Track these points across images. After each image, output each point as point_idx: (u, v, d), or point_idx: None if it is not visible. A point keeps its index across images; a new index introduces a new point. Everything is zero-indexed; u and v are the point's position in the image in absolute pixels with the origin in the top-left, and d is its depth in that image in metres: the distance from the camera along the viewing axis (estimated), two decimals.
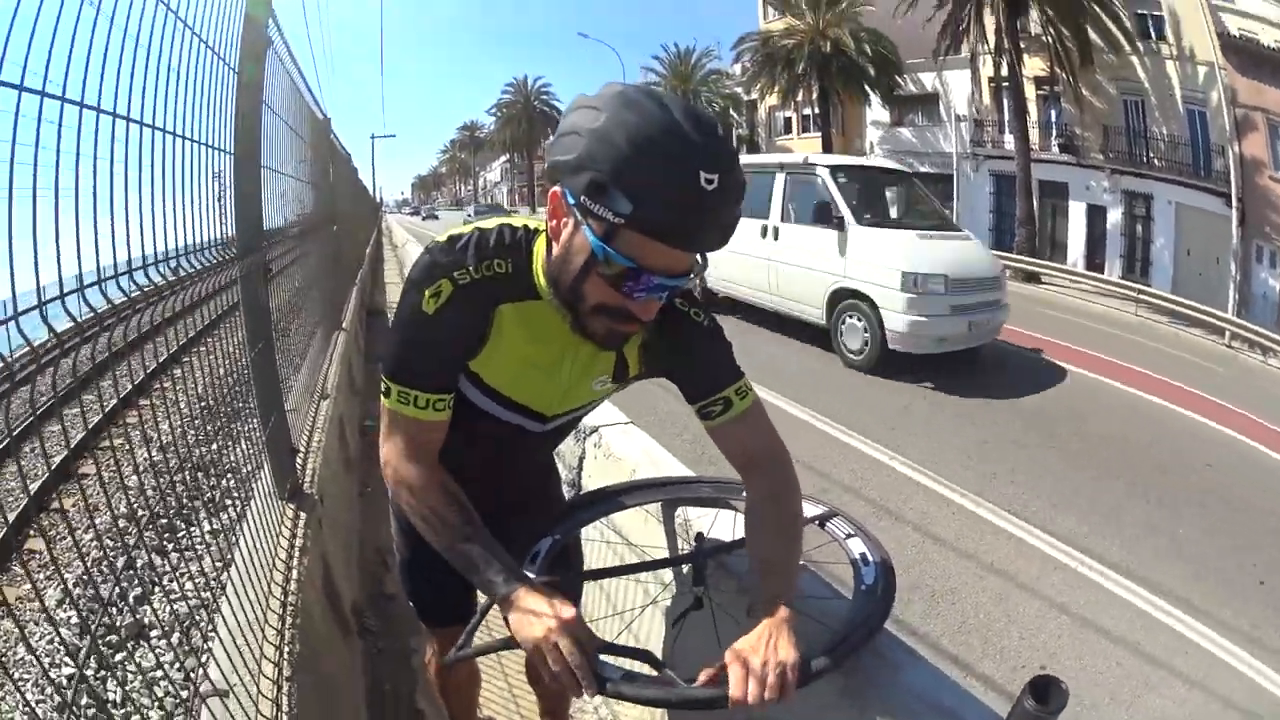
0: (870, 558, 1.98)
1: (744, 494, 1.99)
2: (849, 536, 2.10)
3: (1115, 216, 28.72)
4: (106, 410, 3.98)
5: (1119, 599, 5.89)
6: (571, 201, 1.43)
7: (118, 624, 4.12)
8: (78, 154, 1.23)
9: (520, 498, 2.22)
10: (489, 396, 1.81)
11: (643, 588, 3.01)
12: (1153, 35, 26.78)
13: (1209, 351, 17.84)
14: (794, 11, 36.78)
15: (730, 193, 1.40)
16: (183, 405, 2.19)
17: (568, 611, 1.49)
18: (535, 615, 1.49)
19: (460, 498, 1.70)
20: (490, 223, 1.71)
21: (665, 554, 2.62)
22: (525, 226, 1.71)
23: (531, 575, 1.79)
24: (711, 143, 1.38)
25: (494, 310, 1.67)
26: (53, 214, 1.17)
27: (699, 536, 2.21)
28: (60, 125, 1.18)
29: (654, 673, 1.58)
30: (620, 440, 3.60)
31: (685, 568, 2.40)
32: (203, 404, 2.40)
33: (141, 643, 3.98)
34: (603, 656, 1.53)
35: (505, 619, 1.55)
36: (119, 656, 3.92)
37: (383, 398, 1.73)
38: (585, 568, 2.58)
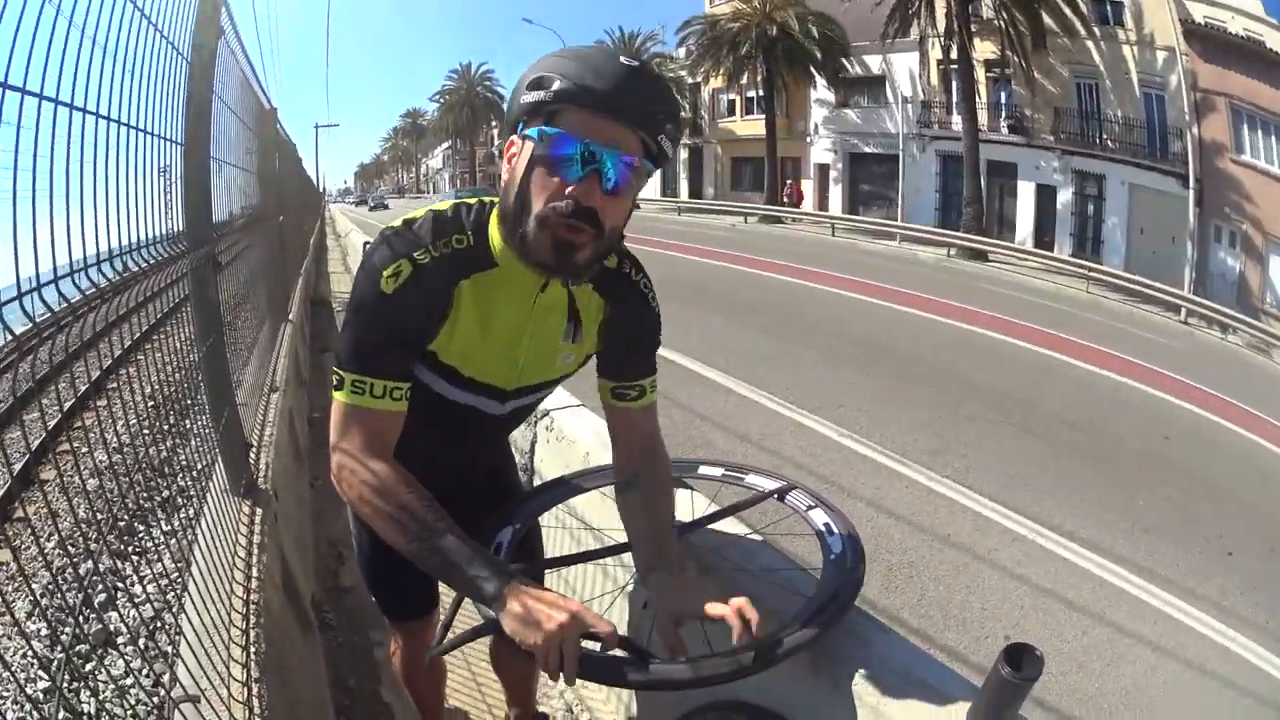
0: (835, 528, 2.00)
1: (656, 473, 2.00)
2: (810, 508, 2.11)
3: (1066, 196, 29.16)
4: (65, 411, 3.89)
5: (1081, 569, 5.95)
6: (523, 129, 1.54)
7: (85, 632, 4.04)
8: (22, 146, 1.19)
9: (479, 489, 2.20)
10: (445, 378, 1.79)
11: (606, 573, 3.00)
12: (1111, 21, 27.14)
13: (1164, 328, 18.22)
14: None
15: (654, 80, 1.55)
16: (136, 404, 2.14)
17: (568, 610, 1.47)
18: (533, 617, 1.46)
19: (426, 494, 1.63)
20: (444, 204, 1.72)
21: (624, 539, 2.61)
22: (480, 201, 1.73)
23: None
24: (640, 66, 1.53)
25: (454, 288, 1.66)
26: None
27: None
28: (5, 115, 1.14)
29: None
30: (572, 423, 3.58)
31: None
32: (152, 403, 2.35)
33: (110, 650, 3.90)
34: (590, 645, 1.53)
35: (491, 614, 1.53)
36: (89, 666, 3.85)
37: (334, 393, 1.67)
38: (547, 556, 2.57)
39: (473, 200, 1.73)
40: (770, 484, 2.25)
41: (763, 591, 2.02)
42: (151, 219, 1.99)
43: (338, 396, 1.66)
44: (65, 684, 3.71)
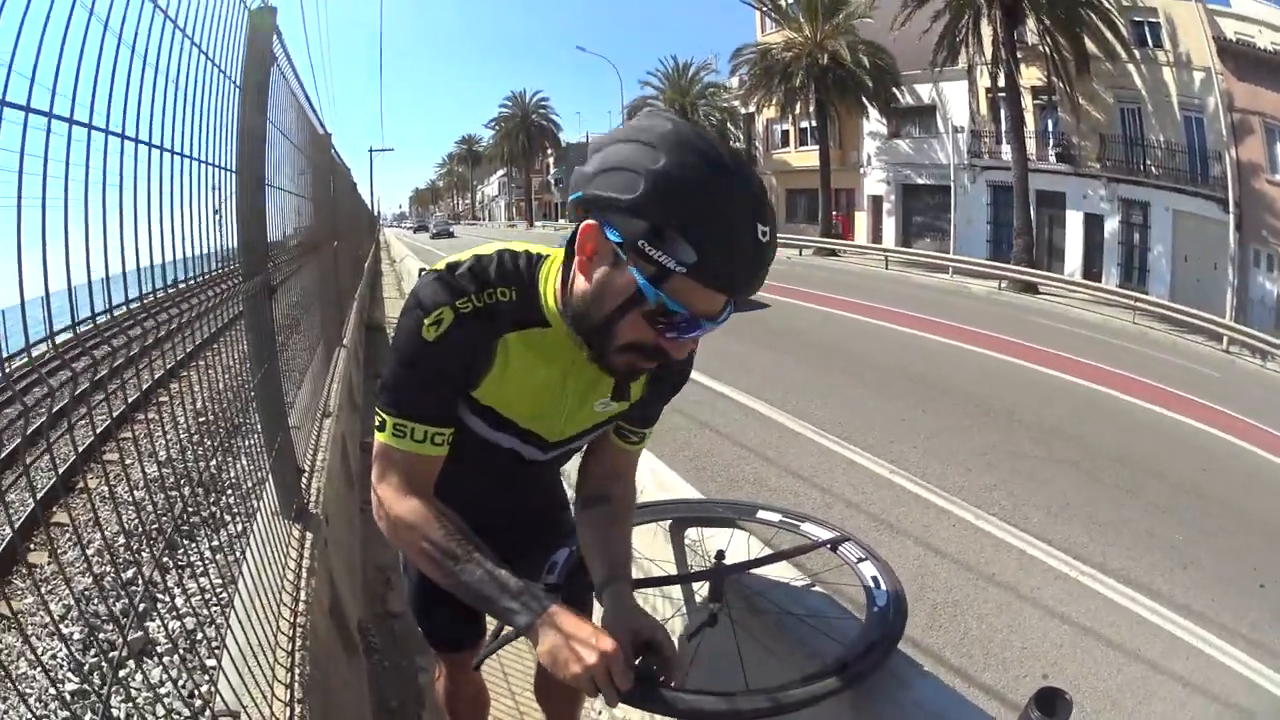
0: (882, 582, 2.01)
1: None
2: (860, 561, 2.13)
3: (1113, 225, 28.78)
4: (110, 422, 3.98)
5: (1119, 606, 5.89)
6: (617, 240, 1.37)
7: (122, 640, 4.10)
8: (80, 175, 1.24)
9: (524, 522, 2.21)
10: (488, 422, 1.76)
11: (649, 605, 3.01)
12: (1149, 42, 26.87)
13: (1206, 357, 17.93)
14: (792, 24, 36.93)
15: (774, 242, 1.41)
16: (186, 419, 2.19)
17: (606, 644, 1.48)
18: (571, 649, 1.48)
19: (462, 527, 1.65)
20: (488, 248, 1.66)
21: (674, 571, 2.65)
22: (527, 252, 1.67)
23: (550, 583, 1.96)
24: (762, 193, 1.40)
25: (497, 340, 1.63)
26: (61, 233, 1.19)
27: (719, 554, 2.21)
28: (70, 144, 1.21)
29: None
30: None
31: (700, 585, 2.45)
32: (201, 420, 2.40)
33: (146, 660, 3.95)
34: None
35: (532, 645, 1.54)
36: (123, 673, 3.90)
37: (377, 433, 1.67)
38: None
39: (519, 248, 1.68)
40: (825, 534, 2.28)
41: (804, 634, 2.06)
42: (207, 244, 2.05)
43: (380, 437, 1.67)
44: (97, 687, 3.78)
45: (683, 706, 1.57)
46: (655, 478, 3.34)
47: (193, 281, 1.93)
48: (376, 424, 1.67)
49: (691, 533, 2.68)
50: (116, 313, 1.46)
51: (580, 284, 1.49)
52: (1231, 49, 23.98)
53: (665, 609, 2.81)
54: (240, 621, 1.94)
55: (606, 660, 1.47)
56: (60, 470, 5.74)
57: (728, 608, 2.09)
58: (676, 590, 2.75)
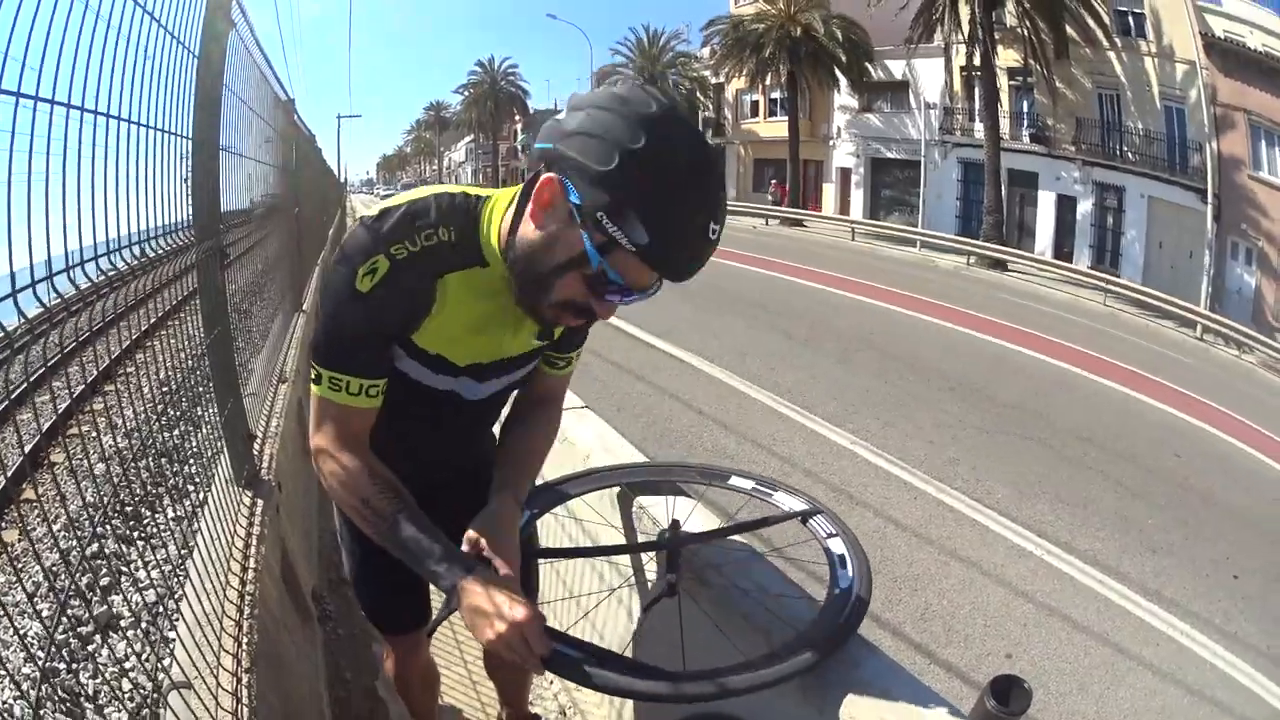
0: (849, 561, 1.97)
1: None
2: (830, 536, 2.08)
3: (1086, 207, 28.91)
4: (75, 396, 3.93)
5: (1086, 588, 5.92)
6: (576, 202, 1.39)
7: (86, 616, 4.06)
8: (27, 145, 1.22)
9: (467, 480, 2.11)
10: (425, 364, 1.73)
11: (598, 574, 3.01)
12: (1133, 32, 26.89)
13: (1179, 344, 18.09)
14: None
15: (719, 240, 1.46)
16: (145, 391, 2.17)
17: (518, 612, 1.50)
18: (485, 614, 1.50)
19: (394, 483, 1.66)
20: (423, 193, 1.64)
21: (621, 541, 2.60)
22: (464, 193, 1.66)
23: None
24: (722, 192, 1.47)
25: (436, 282, 1.60)
26: (7, 207, 1.17)
27: (674, 524, 2.16)
28: (15, 118, 1.18)
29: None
30: (575, 425, 3.54)
31: (652, 556, 2.46)
32: (164, 390, 2.37)
33: (111, 634, 3.92)
34: (560, 646, 1.56)
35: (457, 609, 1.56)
36: (90, 648, 3.86)
37: (312, 384, 1.67)
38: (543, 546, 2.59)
39: (455, 189, 1.67)
40: (798, 504, 2.23)
41: (754, 612, 2.04)
42: (161, 211, 2.02)
43: (314, 389, 1.66)
44: (66, 665, 3.75)
45: (603, 683, 1.56)
46: (602, 441, 3.32)
47: (146, 255, 1.90)
48: (312, 376, 1.66)
49: (645, 500, 2.62)
50: (80, 283, 1.44)
51: (529, 230, 1.50)
52: (1219, 45, 24.03)
53: (613, 579, 2.80)
54: (190, 592, 1.92)
55: (520, 628, 1.49)
56: (26, 449, 5.68)
57: (683, 580, 2.06)
58: (626, 563, 2.74)
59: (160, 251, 1.93)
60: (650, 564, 2.59)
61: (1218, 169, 24.08)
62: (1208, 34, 24.28)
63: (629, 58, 48.87)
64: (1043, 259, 26.65)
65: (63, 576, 4.54)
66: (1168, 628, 5.60)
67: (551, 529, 2.95)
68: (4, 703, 3.74)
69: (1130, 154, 27.29)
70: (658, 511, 2.49)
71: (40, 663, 3.88)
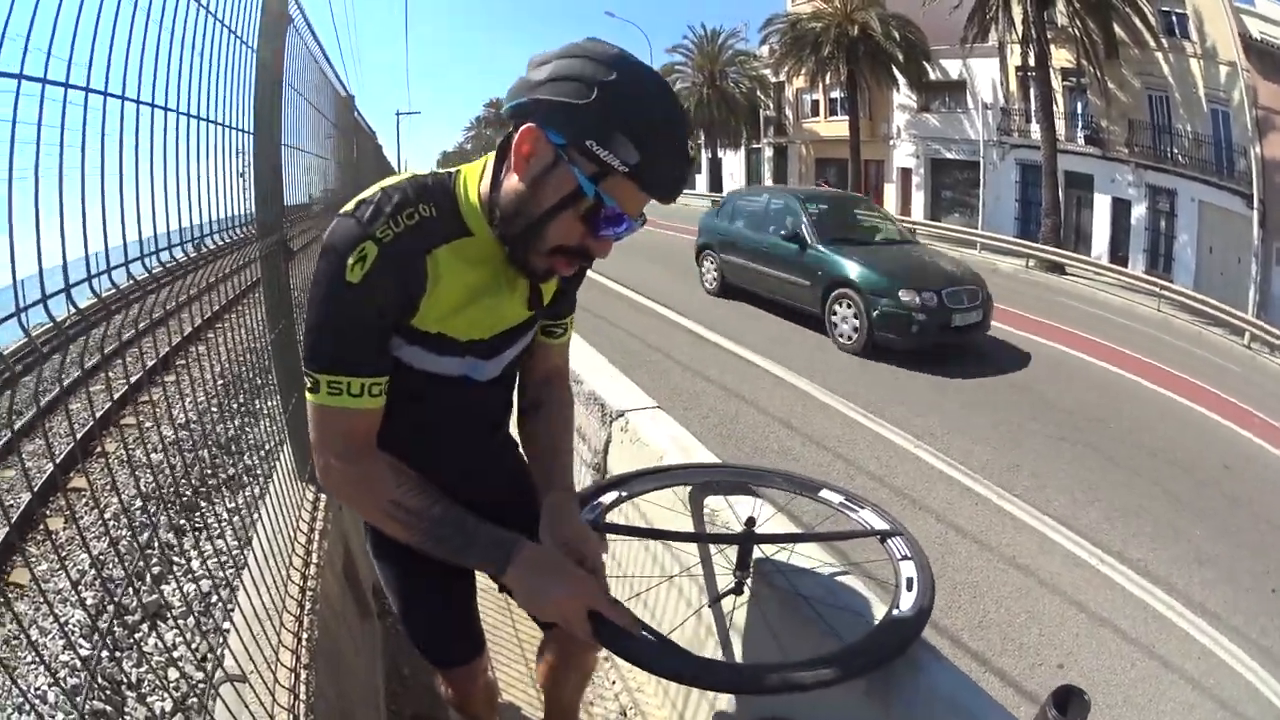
0: (915, 585, 1.95)
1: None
2: (903, 558, 2.06)
3: (1140, 211, 28.46)
4: (131, 383, 3.98)
5: (1136, 598, 5.86)
6: (560, 141, 1.42)
7: (136, 604, 4.10)
8: (85, 137, 1.24)
9: (484, 475, 1.98)
10: (428, 347, 1.66)
11: (659, 564, 3.00)
12: (1177, 33, 26.49)
13: (1228, 351, 17.71)
14: None
15: (690, 159, 1.53)
16: (206, 382, 2.18)
17: (578, 584, 1.55)
18: (542, 586, 1.55)
19: (418, 478, 1.63)
20: (393, 180, 1.60)
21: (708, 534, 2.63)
22: (434, 172, 1.64)
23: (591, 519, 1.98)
24: (684, 117, 1.55)
25: (426, 258, 1.56)
26: (77, 199, 1.20)
27: (749, 521, 2.18)
28: (86, 111, 1.23)
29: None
30: (648, 425, 3.54)
31: (721, 550, 2.49)
32: (222, 381, 2.39)
33: (159, 622, 3.96)
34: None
35: (509, 593, 1.59)
36: (137, 636, 3.91)
37: (309, 396, 1.57)
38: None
39: (423, 172, 1.63)
40: (879, 523, 2.22)
41: (813, 620, 2.04)
42: (227, 204, 2.03)
43: (312, 399, 1.57)
44: (110, 652, 3.79)
45: (660, 665, 1.59)
46: (676, 443, 3.30)
47: (212, 245, 1.91)
48: (308, 386, 1.57)
49: (719, 502, 2.62)
50: (138, 275, 1.46)
51: (512, 183, 1.51)
52: (1257, 47, 23.64)
53: (672, 567, 2.80)
54: (254, 583, 1.92)
55: (581, 600, 1.53)
56: (78, 435, 5.78)
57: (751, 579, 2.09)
58: (688, 556, 2.73)
59: (221, 244, 1.94)
60: (719, 559, 2.58)
61: (1262, 173, 23.57)
62: (1246, 35, 23.85)
63: (689, 55, 48.77)
64: (1100, 263, 26.12)
65: (110, 565, 4.62)
66: (1209, 641, 5.54)
67: (633, 516, 2.96)
68: (38, 689, 3.80)
69: (1180, 156, 26.83)
70: (731, 514, 2.49)
71: (82, 650, 3.95)
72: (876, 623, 1.89)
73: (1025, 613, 5.40)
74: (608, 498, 2.22)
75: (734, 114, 46.70)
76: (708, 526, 2.64)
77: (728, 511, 2.54)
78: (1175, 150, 27.07)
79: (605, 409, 3.83)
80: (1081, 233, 30.55)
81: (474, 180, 1.60)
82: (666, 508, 2.75)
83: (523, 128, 1.45)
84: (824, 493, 2.40)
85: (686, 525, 2.67)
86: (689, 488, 2.69)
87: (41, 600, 4.47)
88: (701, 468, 2.71)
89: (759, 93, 46.15)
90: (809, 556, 2.30)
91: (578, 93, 1.39)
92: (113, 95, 1.30)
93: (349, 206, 1.55)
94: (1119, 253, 28.84)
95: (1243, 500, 8.12)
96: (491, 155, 1.59)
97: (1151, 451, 9.14)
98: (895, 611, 1.86)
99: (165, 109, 1.53)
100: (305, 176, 3.90)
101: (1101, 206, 29.96)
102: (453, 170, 1.64)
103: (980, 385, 10.69)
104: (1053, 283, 23.86)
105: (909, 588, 1.94)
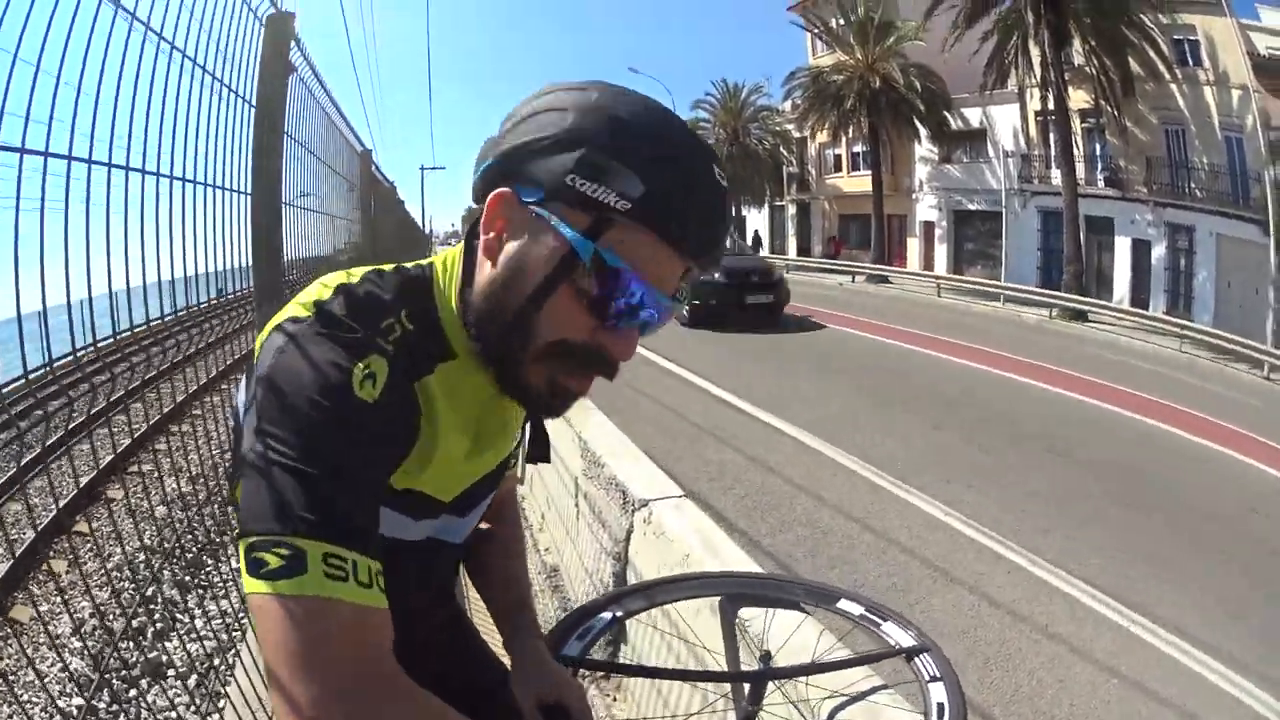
0: (946, 712, 1.76)
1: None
2: (932, 679, 1.85)
3: (1159, 251, 28.41)
4: (131, 441, 3.96)
5: (1169, 658, 5.73)
6: (538, 197, 1.02)
7: (136, 659, 4.06)
8: (82, 207, 1.24)
9: (438, 651, 1.47)
10: (403, 509, 1.17)
11: (663, 699, 2.86)
12: (1189, 61, 26.66)
13: (1250, 385, 17.64)
14: (843, 46, 36.90)
15: (729, 193, 1.08)
16: (215, 437, 2.16)
17: None
18: None
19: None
20: (354, 274, 1.12)
21: (721, 654, 2.44)
22: (398, 266, 1.18)
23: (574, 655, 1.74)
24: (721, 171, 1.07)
25: (414, 389, 1.10)
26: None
27: (765, 655, 2.05)
28: (90, 182, 1.25)
29: None
30: (673, 518, 3.28)
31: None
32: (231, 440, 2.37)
33: (157, 681, 3.90)
34: None
35: None
36: (133, 692, 3.85)
37: (280, 586, 0.89)
38: (632, 652, 2.45)
39: (385, 266, 1.18)
40: (905, 639, 1.98)
41: None
42: (225, 266, 2.01)
43: (283, 589, 0.89)
44: (106, 704, 3.72)
45: None
46: (703, 539, 3.07)
47: (208, 304, 1.89)
48: (274, 566, 0.89)
49: (744, 613, 2.36)
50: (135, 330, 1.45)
51: (486, 272, 1.09)
52: (1264, 64, 23.79)
53: (678, 702, 2.64)
54: (250, 647, 1.87)
55: None
56: (83, 482, 5.76)
57: (764, 713, 1.92)
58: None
59: (225, 324, 1.92)
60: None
61: (1277, 197, 23.39)
62: (1254, 54, 23.96)
63: (712, 110, 49.08)
64: (1120, 308, 26.11)
65: (112, 617, 4.58)
66: (1241, 694, 5.42)
67: (646, 631, 2.82)
68: None
69: (1198, 190, 26.81)
70: (744, 637, 2.28)
71: (75, 701, 3.90)
72: None
73: (1057, 682, 5.28)
74: (600, 620, 1.96)
75: (758, 171, 46.89)
76: (721, 649, 2.47)
77: (754, 627, 2.34)
78: (1192, 184, 27.10)
79: (627, 496, 3.66)
80: (1103, 277, 30.51)
81: (451, 275, 1.17)
82: (690, 624, 2.57)
83: (491, 195, 1.06)
84: (843, 603, 2.12)
85: (700, 646, 2.47)
86: (697, 601, 2.47)
87: (42, 639, 4.43)
88: (709, 579, 2.40)
89: (782, 149, 46.38)
90: (825, 683, 2.13)
91: (554, 122, 1.02)
92: (117, 166, 1.30)
93: (295, 312, 1.04)
94: (1140, 294, 28.77)
95: (1270, 545, 7.98)
96: (460, 246, 1.17)
97: (1180, 501, 9.03)
98: None
99: (158, 174, 1.51)
100: (312, 234, 3.87)
101: (1122, 249, 29.93)
102: (420, 264, 1.21)
103: (1009, 446, 10.61)
104: (1077, 331, 23.80)
105: (940, 715, 1.75)
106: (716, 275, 17.16)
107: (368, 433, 0.97)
